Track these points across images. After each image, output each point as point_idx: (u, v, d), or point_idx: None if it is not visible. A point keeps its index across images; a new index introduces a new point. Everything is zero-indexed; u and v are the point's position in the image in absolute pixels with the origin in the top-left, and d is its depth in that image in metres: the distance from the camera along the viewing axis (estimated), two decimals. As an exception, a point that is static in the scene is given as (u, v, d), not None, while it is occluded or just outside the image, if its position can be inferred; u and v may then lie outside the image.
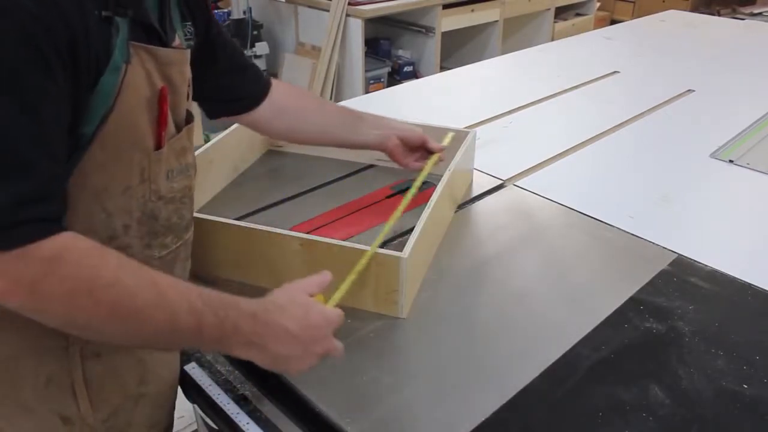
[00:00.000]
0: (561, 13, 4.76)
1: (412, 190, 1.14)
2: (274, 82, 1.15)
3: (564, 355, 0.92)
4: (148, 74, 0.75)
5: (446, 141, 1.30)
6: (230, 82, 1.08)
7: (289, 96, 1.17)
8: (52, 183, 0.64)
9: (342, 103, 2.02)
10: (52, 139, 0.64)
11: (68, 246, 0.64)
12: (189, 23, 0.89)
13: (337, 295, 0.88)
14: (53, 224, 0.63)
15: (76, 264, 0.63)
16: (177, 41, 0.84)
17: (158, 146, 0.77)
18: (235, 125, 1.37)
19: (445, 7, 3.76)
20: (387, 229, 1.06)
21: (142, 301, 0.66)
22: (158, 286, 0.68)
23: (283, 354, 0.74)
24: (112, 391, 0.84)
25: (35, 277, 0.61)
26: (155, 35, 0.77)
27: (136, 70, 0.73)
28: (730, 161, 1.53)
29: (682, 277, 1.10)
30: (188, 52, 0.84)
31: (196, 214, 1.07)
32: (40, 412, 0.81)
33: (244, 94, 1.11)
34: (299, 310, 0.76)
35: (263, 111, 1.12)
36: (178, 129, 0.82)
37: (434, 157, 1.25)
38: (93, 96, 0.68)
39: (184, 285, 0.72)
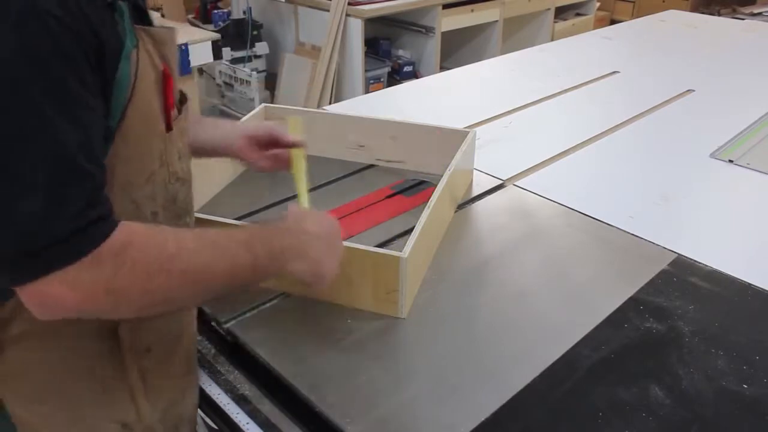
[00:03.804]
0: (561, 13, 4.76)
1: (301, 195, 1.05)
2: None
3: (564, 355, 0.92)
4: (150, 56, 0.74)
5: (292, 128, 1.14)
6: None
7: None
8: (103, 185, 0.65)
9: (342, 103, 2.03)
10: (95, 143, 0.64)
11: (129, 235, 0.65)
12: None
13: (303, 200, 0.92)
14: (111, 220, 0.64)
15: (142, 248, 0.65)
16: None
17: (168, 128, 0.77)
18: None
19: (445, 7, 3.75)
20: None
21: (206, 258, 0.70)
22: (213, 240, 0.72)
23: (318, 257, 0.82)
24: (165, 384, 0.84)
25: (109, 276, 0.62)
26: (144, 15, 0.76)
27: (142, 53, 0.72)
28: (730, 161, 1.53)
29: (682, 277, 1.10)
30: (175, 30, 0.83)
31: (196, 215, 1.07)
32: (97, 423, 0.80)
33: None
34: (312, 216, 0.87)
35: None
36: (178, 110, 0.82)
37: (297, 152, 1.12)
38: (114, 88, 0.68)
39: (228, 231, 0.77)
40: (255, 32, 3.76)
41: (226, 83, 3.84)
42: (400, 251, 0.96)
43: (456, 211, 1.30)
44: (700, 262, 1.14)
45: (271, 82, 3.98)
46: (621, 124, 1.75)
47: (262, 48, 3.81)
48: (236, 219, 1.12)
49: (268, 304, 1.02)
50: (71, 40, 0.60)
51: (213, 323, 0.99)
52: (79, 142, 0.61)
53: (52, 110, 0.59)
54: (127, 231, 0.64)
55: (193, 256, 0.69)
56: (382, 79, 3.81)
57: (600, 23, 5.02)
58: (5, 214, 0.58)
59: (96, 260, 0.61)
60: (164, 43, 0.77)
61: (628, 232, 1.23)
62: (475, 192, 1.37)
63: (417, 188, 1.37)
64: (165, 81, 0.76)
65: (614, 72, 2.19)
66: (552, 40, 4.15)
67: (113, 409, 0.80)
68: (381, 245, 1.13)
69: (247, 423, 0.85)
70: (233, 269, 0.73)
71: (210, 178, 1.26)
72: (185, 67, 2.84)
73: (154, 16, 0.82)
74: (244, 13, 3.71)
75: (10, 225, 0.58)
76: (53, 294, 0.61)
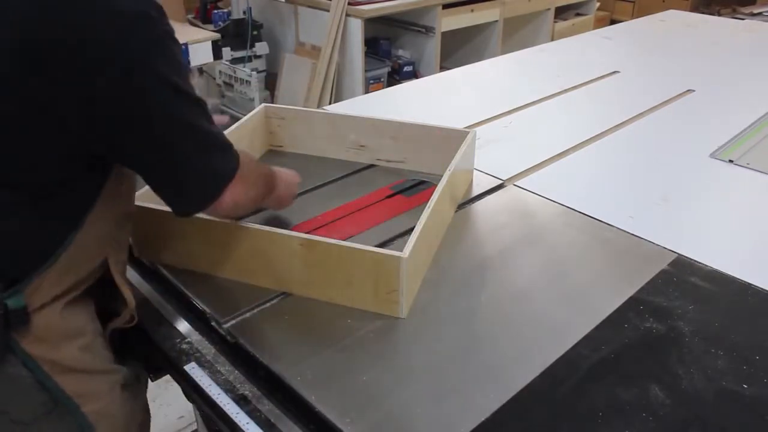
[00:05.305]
0: (561, 13, 4.76)
1: None
2: None
3: (564, 355, 0.92)
4: None
5: None
6: None
7: None
8: None
9: (341, 103, 2.02)
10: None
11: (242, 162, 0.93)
12: None
13: None
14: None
15: (252, 167, 0.97)
16: None
17: None
18: (235, 125, 1.38)
19: (445, 7, 3.75)
20: None
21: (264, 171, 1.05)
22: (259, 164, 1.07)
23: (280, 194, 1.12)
24: None
25: (247, 176, 0.93)
26: None
27: None
28: (730, 161, 1.53)
29: (682, 277, 1.10)
30: None
31: (196, 215, 1.07)
32: None
33: None
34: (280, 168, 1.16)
35: None
36: None
37: None
38: None
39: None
40: (255, 32, 3.76)
41: (226, 83, 3.84)
42: (400, 251, 0.96)
43: (456, 211, 1.30)
44: (700, 262, 1.14)
45: (271, 82, 3.98)
46: (621, 124, 1.75)
47: (262, 48, 3.81)
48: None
49: (268, 304, 1.02)
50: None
51: (213, 323, 0.99)
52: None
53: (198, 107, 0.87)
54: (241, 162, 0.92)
55: (265, 174, 1.05)
56: (382, 79, 3.81)
57: (600, 23, 5.02)
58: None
59: (241, 177, 0.91)
60: None
61: (628, 232, 1.23)
62: (475, 192, 1.37)
63: (417, 188, 1.37)
64: None
65: (614, 72, 2.19)
66: (552, 40, 4.15)
67: None
68: (381, 245, 1.13)
69: (247, 423, 0.85)
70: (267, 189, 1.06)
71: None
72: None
73: None
74: (244, 13, 3.71)
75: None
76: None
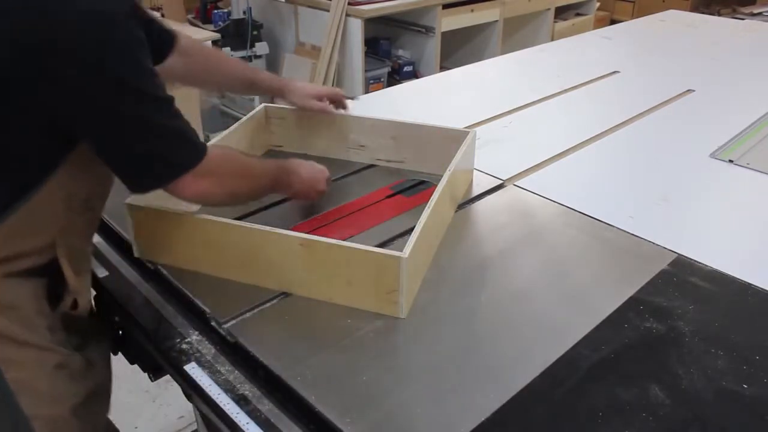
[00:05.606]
0: (561, 13, 4.76)
1: None
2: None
3: (564, 355, 0.92)
4: None
5: None
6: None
7: (190, 41, 1.27)
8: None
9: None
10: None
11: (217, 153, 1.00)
12: None
13: None
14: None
15: (229, 164, 1.04)
16: None
17: None
18: (235, 125, 1.38)
19: (445, 7, 3.75)
20: None
21: (256, 170, 1.11)
22: (258, 164, 1.17)
23: (299, 189, 1.20)
24: None
25: (217, 171, 0.99)
26: None
27: None
28: (730, 161, 1.53)
29: (682, 277, 1.10)
30: None
31: (196, 215, 1.07)
32: None
33: (158, 41, 1.16)
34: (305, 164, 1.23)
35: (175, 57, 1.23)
36: None
37: None
38: None
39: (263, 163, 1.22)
40: (255, 32, 3.76)
41: (226, 83, 3.83)
42: (400, 251, 0.96)
43: (456, 211, 1.30)
44: (700, 262, 1.14)
45: (271, 82, 3.97)
46: (621, 124, 1.75)
47: (262, 48, 3.81)
48: (236, 219, 1.12)
49: (268, 304, 1.02)
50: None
51: (213, 323, 0.99)
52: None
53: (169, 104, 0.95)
54: (213, 153, 0.98)
55: (254, 166, 1.12)
56: (382, 79, 3.81)
57: (600, 23, 5.02)
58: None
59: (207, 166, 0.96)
60: None
61: (628, 232, 1.23)
62: (475, 192, 1.37)
63: (417, 188, 1.37)
64: None
65: (614, 72, 2.19)
66: (552, 40, 4.15)
67: None
68: (381, 245, 1.13)
69: (247, 423, 0.85)
70: (271, 182, 1.12)
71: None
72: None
73: (155, 15, 0.87)
74: (244, 13, 3.71)
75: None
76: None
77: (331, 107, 1.44)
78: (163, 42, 1.19)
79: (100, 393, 1.09)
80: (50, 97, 0.86)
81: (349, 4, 3.49)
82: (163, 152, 0.93)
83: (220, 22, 3.80)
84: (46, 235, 0.96)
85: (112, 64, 0.85)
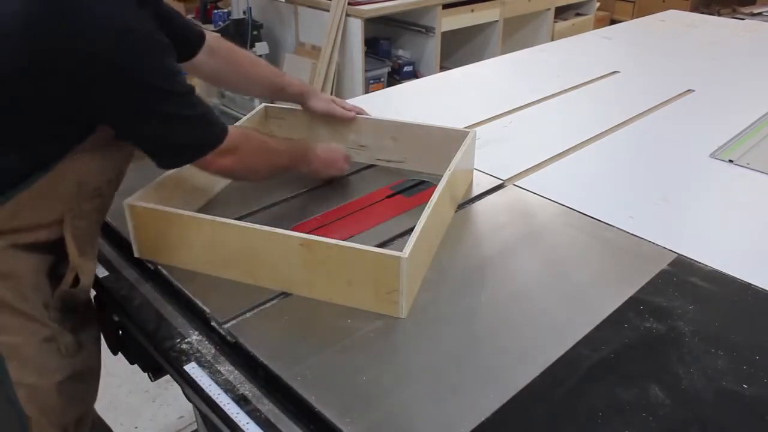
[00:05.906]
0: (561, 13, 4.76)
1: None
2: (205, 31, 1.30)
3: (564, 355, 0.92)
4: None
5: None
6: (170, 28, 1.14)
7: (221, 42, 1.32)
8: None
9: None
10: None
11: (237, 133, 1.08)
12: None
13: None
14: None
15: (246, 137, 1.11)
16: None
17: None
18: (235, 125, 1.37)
19: (445, 7, 3.75)
20: None
21: (274, 147, 1.21)
22: (276, 142, 1.25)
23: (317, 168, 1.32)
24: None
25: (238, 149, 1.07)
26: None
27: None
28: (730, 161, 1.53)
29: (682, 277, 1.10)
30: None
31: (196, 215, 1.07)
32: None
33: (183, 39, 1.19)
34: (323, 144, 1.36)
35: (202, 55, 1.27)
36: None
37: None
38: None
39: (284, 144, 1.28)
40: (255, 32, 3.75)
41: (226, 83, 3.83)
42: (400, 251, 0.96)
43: (456, 211, 1.30)
44: (700, 262, 1.14)
45: (271, 82, 3.98)
46: (621, 124, 1.75)
47: (262, 48, 3.81)
48: (236, 219, 1.12)
49: (268, 304, 1.02)
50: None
51: (213, 323, 0.99)
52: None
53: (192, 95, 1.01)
54: (235, 132, 1.07)
55: (274, 146, 1.21)
56: (382, 79, 3.80)
57: (600, 23, 5.02)
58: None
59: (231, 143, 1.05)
60: None
61: (628, 232, 1.23)
62: (475, 192, 1.37)
63: (417, 188, 1.37)
64: None
65: (614, 72, 2.19)
66: (552, 40, 4.15)
67: None
68: (381, 245, 1.13)
69: (247, 423, 0.85)
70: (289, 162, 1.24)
71: (210, 178, 1.26)
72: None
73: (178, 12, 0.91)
74: (244, 13, 3.71)
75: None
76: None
77: (351, 113, 1.45)
78: (189, 39, 1.23)
79: (87, 376, 1.10)
80: (72, 97, 0.90)
81: (349, 4, 3.49)
82: (188, 139, 1.01)
83: (220, 22, 3.80)
84: (56, 213, 0.99)
85: (133, 67, 0.90)
